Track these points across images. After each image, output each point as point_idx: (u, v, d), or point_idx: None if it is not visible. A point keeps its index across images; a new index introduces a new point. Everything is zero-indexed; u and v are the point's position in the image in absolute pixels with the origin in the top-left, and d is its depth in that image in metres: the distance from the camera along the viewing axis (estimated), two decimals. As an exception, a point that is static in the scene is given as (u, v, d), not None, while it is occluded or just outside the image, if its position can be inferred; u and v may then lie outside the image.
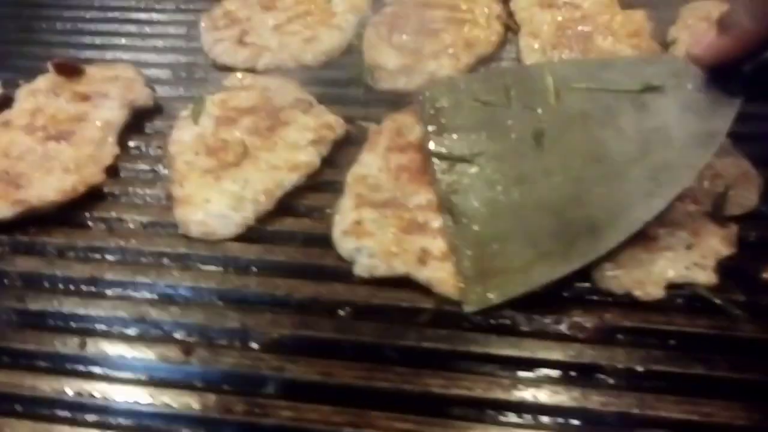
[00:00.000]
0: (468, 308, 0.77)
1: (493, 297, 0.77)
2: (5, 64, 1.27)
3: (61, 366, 0.76)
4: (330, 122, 1.03)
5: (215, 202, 0.91)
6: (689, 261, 0.80)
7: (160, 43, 1.32)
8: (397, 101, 1.10)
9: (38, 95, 1.11)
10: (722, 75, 0.82)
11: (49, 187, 0.94)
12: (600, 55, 1.14)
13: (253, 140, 1.00)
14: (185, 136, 1.02)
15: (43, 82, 1.15)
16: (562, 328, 0.76)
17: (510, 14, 1.29)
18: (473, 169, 0.90)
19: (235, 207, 0.90)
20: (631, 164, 0.84)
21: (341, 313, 0.79)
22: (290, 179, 0.95)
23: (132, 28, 1.37)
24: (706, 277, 0.79)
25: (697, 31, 1.16)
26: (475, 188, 0.88)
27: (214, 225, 0.89)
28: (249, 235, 0.90)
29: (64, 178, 0.95)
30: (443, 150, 0.93)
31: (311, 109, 1.06)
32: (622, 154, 0.85)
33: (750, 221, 0.86)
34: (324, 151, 1.00)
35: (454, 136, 0.94)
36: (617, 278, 0.79)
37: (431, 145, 0.94)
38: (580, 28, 1.21)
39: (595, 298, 0.79)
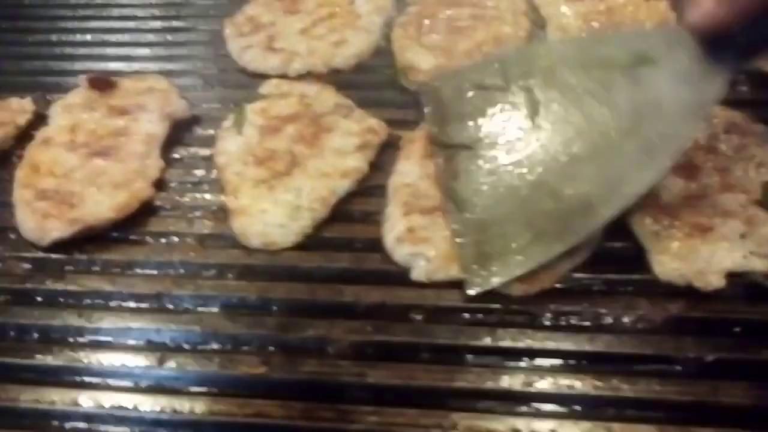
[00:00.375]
0: (471, 291, 0.80)
1: (495, 279, 0.80)
2: (32, 82, 1.25)
3: (139, 383, 0.77)
4: (373, 126, 1.04)
5: (272, 212, 0.91)
6: (745, 250, 0.82)
7: (185, 51, 1.32)
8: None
9: (73, 111, 1.11)
10: (718, 45, 0.82)
11: (102, 204, 0.94)
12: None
13: (299, 148, 1.00)
14: (231, 146, 1.02)
15: (76, 97, 1.14)
16: (628, 321, 0.79)
17: (534, 8, 1.31)
18: (472, 155, 0.92)
19: (292, 216, 0.91)
20: (624, 138, 0.86)
21: (414, 316, 0.80)
22: (342, 186, 0.95)
23: (154, 37, 1.37)
24: (762, 264, 0.81)
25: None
26: (475, 174, 0.90)
27: (274, 235, 0.90)
28: (307, 244, 0.91)
29: (115, 195, 0.95)
30: (445, 139, 0.96)
31: (352, 113, 1.07)
32: (616, 129, 0.87)
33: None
34: (371, 156, 1.01)
35: (455, 124, 0.96)
36: (678, 270, 0.81)
37: (433, 136, 0.96)
38: (606, 21, 1.23)
39: (659, 290, 0.81)
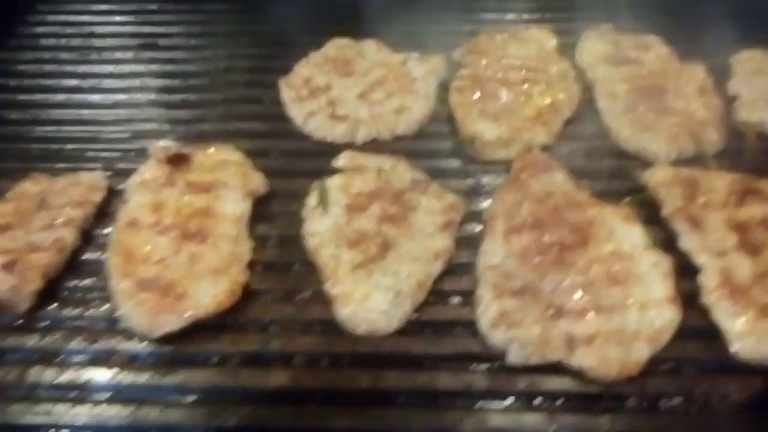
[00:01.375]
0: None
1: None
2: (91, 153, 1.25)
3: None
4: (454, 204, 1.09)
5: (375, 299, 0.96)
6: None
7: (245, 109, 1.34)
8: (499, 170, 1.18)
9: (151, 187, 1.12)
10: None
11: (207, 294, 0.97)
12: (678, 116, 1.23)
13: (388, 229, 1.05)
14: (320, 227, 1.06)
15: (150, 171, 1.15)
16: (715, 401, 0.87)
17: (580, 72, 1.37)
18: None
19: (394, 302, 0.96)
20: None
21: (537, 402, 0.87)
22: (436, 268, 1.01)
23: (205, 96, 1.38)
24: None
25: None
26: None
27: (379, 322, 0.95)
28: (407, 328, 0.96)
29: (216, 282, 0.98)
30: None
31: (429, 188, 1.12)
32: None
33: None
34: (455, 233, 1.06)
35: None
36: (756, 350, 0.90)
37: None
38: (650, 86, 1.30)
39: (738, 369, 0.90)
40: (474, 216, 1.11)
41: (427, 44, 1.43)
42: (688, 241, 1.03)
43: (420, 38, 1.47)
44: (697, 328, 0.95)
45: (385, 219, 1.06)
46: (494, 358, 0.92)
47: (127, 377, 0.92)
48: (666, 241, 1.05)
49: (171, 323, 0.94)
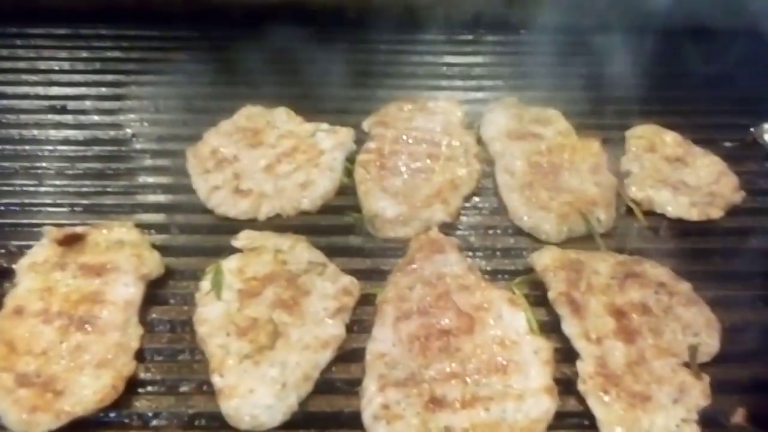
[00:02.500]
0: None
1: None
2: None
3: None
4: (348, 287, 1.11)
5: (260, 393, 0.96)
6: (678, 418, 0.97)
7: (150, 180, 1.33)
8: (397, 248, 1.20)
9: (42, 270, 1.10)
10: None
11: (88, 389, 0.95)
12: (571, 194, 1.28)
13: (280, 315, 1.05)
14: (211, 314, 1.06)
15: (42, 253, 1.13)
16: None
17: (479, 141, 1.42)
18: None
19: (278, 396, 0.97)
20: None
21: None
22: (324, 357, 1.02)
23: (111, 166, 1.36)
24: (692, 431, 0.96)
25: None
26: None
27: (263, 417, 0.95)
28: (293, 421, 0.97)
29: (100, 376, 0.97)
30: None
31: (326, 270, 1.14)
32: None
33: (715, 366, 1.04)
34: (347, 319, 1.08)
35: None
36: (625, 440, 0.94)
37: None
38: (546, 162, 1.35)
39: (609, 459, 0.94)
40: (369, 299, 1.12)
41: (340, 111, 1.46)
42: (569, 327, 1.07)
43: (334, 104, 1.49)
44: (575, 415, 0.99)
45: (278, 304, 1.07)
46: (376, 451, 0.93)
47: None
48: (553, 323, 1.09)
49: (47, 423, 0.92)
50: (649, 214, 1.30)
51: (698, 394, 0.99)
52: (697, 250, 1.23)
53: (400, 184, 1.30)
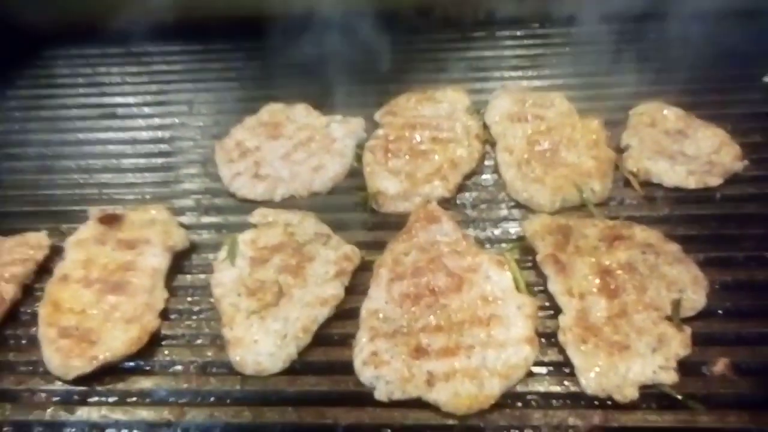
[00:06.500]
0: None
1: None
2: (43, 214, 1.41)
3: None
4: (348, 254, 1.21)
5: (263, 343, 1.08)
6: (655, 365, 1.00)
7: (183, 171, 1.49)
8: (399, 222, 1.29)
9: (85, 245, 1.27)
10: None
11: (117, 340, 1.10)
12: (567, 168, 1.34)
13: (285, 278, 1.17)
14: (225, 278, 1.19)
15: (86, 231, 1.30)
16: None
17: (485, 126, 1.50)
18: None
19: (280, 345, 1.07)
20: None
21: (386, 435, 0.97)
22: (322, 313, 1.12)
23: (151, 161, 1.54)
24: (669, 377, 0.99)
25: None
26: None
27: (266, 363, 1.06)
28: (293, 368, 1.07)
29: (128, 330, 1.11)
30: None
31: (330, 240, 1.24)
32: None
33: (700, 320, 1.06)
34: (346, 282, 1.18)
35: None
36: (600, 385, 0.99)
37: None
38: (547, 142, 1.41)
39: (582, 402, 0.98)
40: (369, 266, 1.22)
41: (356, 105, 1.58)
42: (553, 284, 1.12)
43: (350, 99, 1.61)
44: (555, 364, 1.04)
45: (284, 269, 1.19)
46: (364, 395, 1.02)
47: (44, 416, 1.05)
48: (542, 286, 1.15)
49: (81, 367, 1.07)
50: (648, 185, 1.33)
51: (678, 344, 1.02)
52: (693, 216, 1.25)
53: (403, 164, 1.39)
